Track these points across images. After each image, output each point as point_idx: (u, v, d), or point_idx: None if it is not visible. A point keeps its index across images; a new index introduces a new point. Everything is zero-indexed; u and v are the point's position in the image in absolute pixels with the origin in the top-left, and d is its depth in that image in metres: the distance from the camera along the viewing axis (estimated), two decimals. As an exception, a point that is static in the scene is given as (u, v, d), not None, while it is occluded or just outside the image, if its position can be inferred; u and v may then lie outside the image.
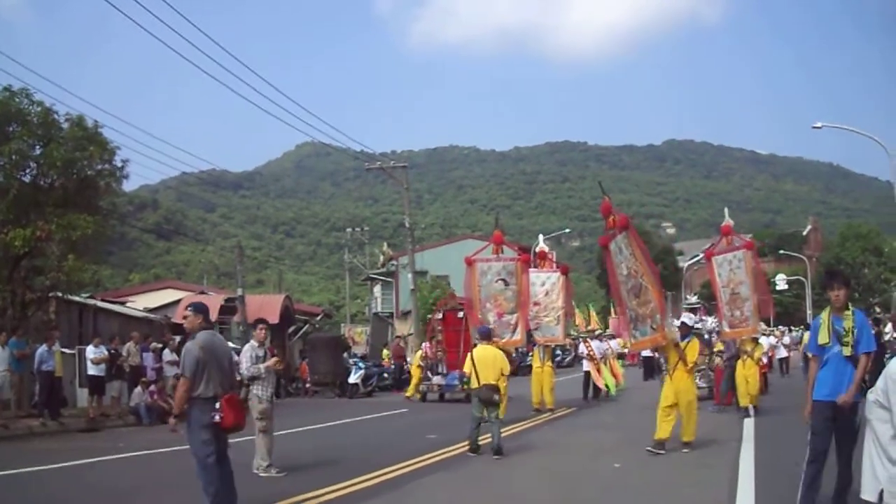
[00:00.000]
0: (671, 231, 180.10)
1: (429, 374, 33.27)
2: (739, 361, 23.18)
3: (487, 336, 18.22)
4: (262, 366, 13.88)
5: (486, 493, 12.05)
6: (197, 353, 10.23)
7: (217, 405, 10.18)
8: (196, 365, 10.21)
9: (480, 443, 16.28)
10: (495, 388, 16.46)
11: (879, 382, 8.51)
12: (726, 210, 23.99)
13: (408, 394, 34.89)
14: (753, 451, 15.14)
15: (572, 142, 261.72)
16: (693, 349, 16.66)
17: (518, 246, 33.29)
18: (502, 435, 16.60)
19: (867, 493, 8.31)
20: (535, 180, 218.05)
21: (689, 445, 15.97)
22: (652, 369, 39.99)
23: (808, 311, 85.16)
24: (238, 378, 11.10)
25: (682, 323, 17.63)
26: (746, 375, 22.73)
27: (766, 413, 22.58)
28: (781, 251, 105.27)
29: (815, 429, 9.29)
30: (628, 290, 16.78)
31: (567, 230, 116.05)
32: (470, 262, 24.80)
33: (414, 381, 34.99)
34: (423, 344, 36.88)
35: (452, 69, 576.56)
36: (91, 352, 24.96)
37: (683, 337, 16.87)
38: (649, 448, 15.52)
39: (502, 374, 17.09)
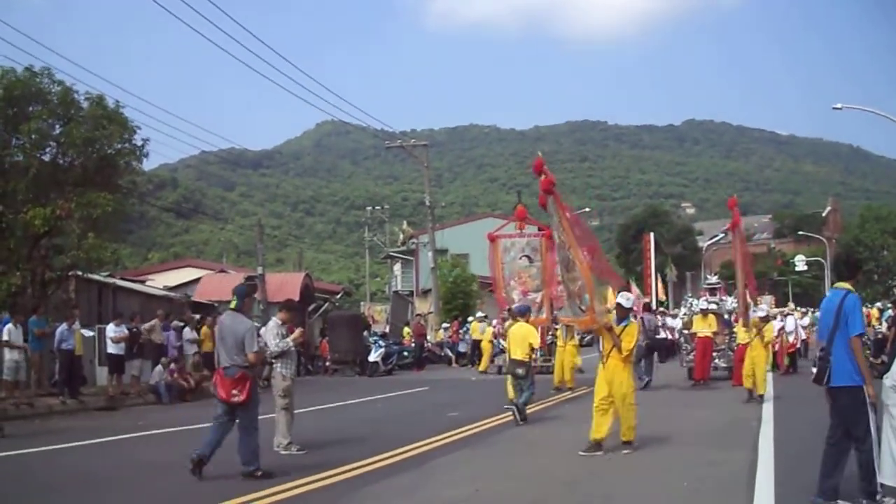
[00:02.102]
0: (691, 211, 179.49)
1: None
2: (749, 343, 22.27)
3: (521, 314, 19.06)
4: (288, 340, 13.95)
5: (507, 471, 12.02)
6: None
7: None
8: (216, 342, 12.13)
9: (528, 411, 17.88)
10: (520, 363, 17.65)
11: (895, 368, 8.46)
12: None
13: (480, 369, 35.88)
14: (773, 433, 15.08)
15: (592, 121, 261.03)
16: (630, 335, 13.97)
17: (539, 225, 33.21)
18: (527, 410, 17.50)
19: (888, 477, 8.28)
20: (555, 159, 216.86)
21: (630, 445, 13.61)
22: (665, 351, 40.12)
23: (828, 293, 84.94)
24: (253, 353, 11.45)
25: (618, 304, 14.56)
26: (753, 357, 21.54)
27: (787, 395, 22.48)
28: (801, 232, 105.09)
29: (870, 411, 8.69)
30: (561, 261, 15.03)
31: (587, 209, 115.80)
32: (493, 239, 24.49)
33: (485, 356, 35.93)
34: (494, 321, 37.08)
35: (472, 47, 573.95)
36: (111, 330, 24.95)
37: (620, 321, 14.15)
38: (582, 452, 13.27)
39: (532, 349, 18.26)
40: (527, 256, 24.00)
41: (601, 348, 14.29)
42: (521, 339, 17.95)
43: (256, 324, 23.11)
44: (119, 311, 26.93)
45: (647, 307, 31.46)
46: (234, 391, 11.45)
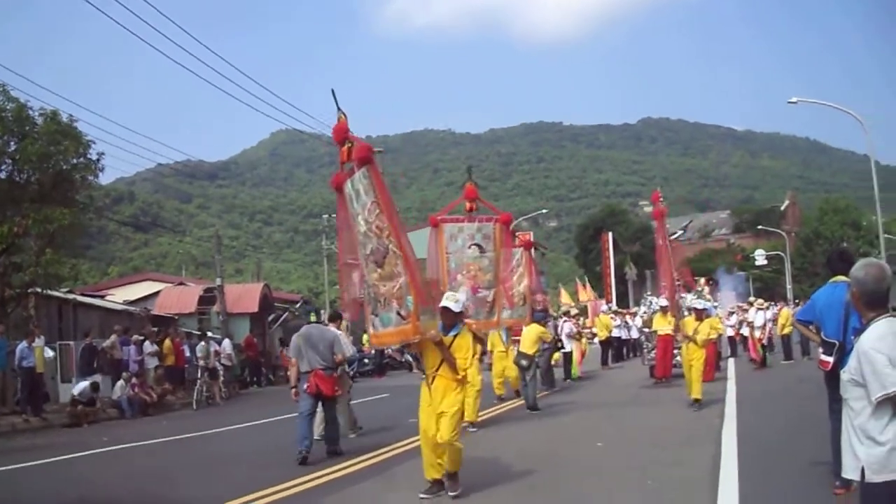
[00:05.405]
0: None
1: None
2: (683, 344, 20.32)
3: (538, 321, 21.59)
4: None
5: (466, 475, 11.91)
6: (296, 340, 14.63)
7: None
8: (297, 349, 14.47)
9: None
10: (525, 356, 20.54)
11: (852, 361, 8.56)
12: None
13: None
14: (736, 429, 15.12)
15: (547, 122, 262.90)
16: (461, 347, 10.90)
17: (492, 208, 25.38)
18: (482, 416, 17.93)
19: (849, 472, 8.39)
20: (511, 161, 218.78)
21: (454, 480, 10.81)
22: (619, 351, 40.24)
23: (788, 286, 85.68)
24: (341, 355, 14.84)
25: (444, 308, 11.00)
26: (690, 360, 19.59)
27: (749, 390, 22.55)
28: (760, 227, 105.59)
29: None
30: (366, 256, 11.30)
31: (544, 210, 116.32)
32: (436, 223, 19.27)
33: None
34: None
35: (425, 51, 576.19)
36: (78, 389, 24.43)
37: (448, 329, 11.00)
38: (423, 494, 10.71)
39: (542, 342, 21.68)
40: (477, 245, 18.60)
41: (423, 366, 11.15)
42: (533, 335, 20.58)
43: (216, 336, 23.54)
44: (78, 327, 26.31)
45: (565, 312, 32.50)
46: (336, 387, 14.60)
